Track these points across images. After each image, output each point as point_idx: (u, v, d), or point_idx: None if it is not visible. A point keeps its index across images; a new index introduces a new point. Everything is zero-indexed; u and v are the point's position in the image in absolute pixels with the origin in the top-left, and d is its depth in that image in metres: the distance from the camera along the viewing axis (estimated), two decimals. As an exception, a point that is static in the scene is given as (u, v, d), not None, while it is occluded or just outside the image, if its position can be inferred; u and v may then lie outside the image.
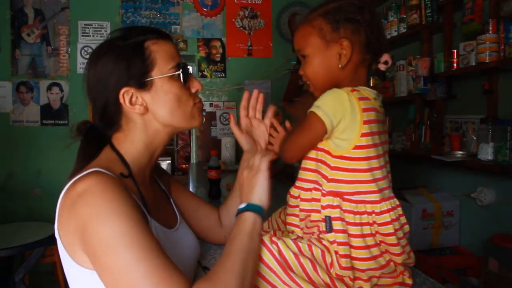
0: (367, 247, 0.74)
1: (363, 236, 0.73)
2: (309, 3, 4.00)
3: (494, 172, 1.92)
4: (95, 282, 0.65)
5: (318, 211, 0.77)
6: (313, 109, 0.76)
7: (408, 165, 2.69)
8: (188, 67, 0.83)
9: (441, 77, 2.14)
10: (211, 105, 3.89)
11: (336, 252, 0.74)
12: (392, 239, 0.74)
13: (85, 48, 3.65)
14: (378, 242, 0.75)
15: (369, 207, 0.74)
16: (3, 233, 2.38)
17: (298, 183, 0.82)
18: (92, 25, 3.67)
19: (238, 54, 3.89)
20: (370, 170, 0.74)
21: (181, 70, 0.78)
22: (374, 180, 0.75)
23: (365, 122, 0.74)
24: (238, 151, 3.37)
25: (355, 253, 0.73)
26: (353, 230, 0.74)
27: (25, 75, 3.54)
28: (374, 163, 0.75)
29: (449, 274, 1.95)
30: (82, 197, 0.64)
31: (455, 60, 2.00)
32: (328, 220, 0.74)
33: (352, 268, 0.73)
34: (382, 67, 0.87)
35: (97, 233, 0.62)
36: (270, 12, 3.93)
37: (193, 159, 4.11)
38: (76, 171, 0.74)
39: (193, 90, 0.82)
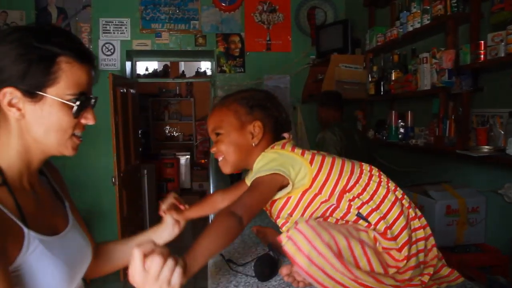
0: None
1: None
2: (328, -4, 3.95)
3: (523, 167, 1.85)
4: None
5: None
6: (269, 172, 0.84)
7: (431, 160, 2.63)
8: (92, 98, 0.76)
9: (467, 69, 2.07)
10: (230, 100, 3.90)
11: (381, 234, 0.80)
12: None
13: (106, 45, 3.72)
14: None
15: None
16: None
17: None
18: (112, 22, 3.73)
19: (257, 49, 3.88)
20: (333, 164, 0.87)
21: (78, 103, 0.72)
22: (340, 171, 0.87)
23: (294, 147, 0.90)
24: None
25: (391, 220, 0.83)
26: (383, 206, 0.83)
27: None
28: (328, 159, 0.88)
29: (474, 272, 1.90)
30: None
31: (482, 51, 1.93)
32: (361, 216, 0.82)
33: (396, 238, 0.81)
34: (285, 135, 0.99)
35: None
36: (289, 6, 3.90)
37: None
38: None
39: (83, 122, 0.77)
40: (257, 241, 1.11)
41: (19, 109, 0.70)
